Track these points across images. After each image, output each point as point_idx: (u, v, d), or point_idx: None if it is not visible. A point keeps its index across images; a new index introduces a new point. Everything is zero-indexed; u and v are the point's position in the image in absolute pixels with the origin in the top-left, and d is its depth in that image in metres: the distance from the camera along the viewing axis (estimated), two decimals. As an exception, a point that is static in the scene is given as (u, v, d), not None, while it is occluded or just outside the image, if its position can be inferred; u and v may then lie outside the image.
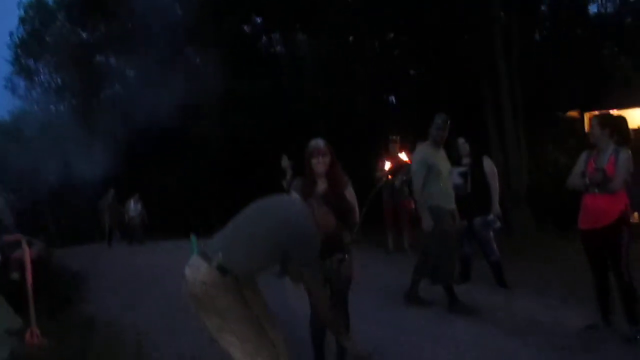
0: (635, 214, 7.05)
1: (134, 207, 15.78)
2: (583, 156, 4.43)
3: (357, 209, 3.77)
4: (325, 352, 3.88)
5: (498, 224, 5.90)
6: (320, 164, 3.67)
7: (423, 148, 5.36)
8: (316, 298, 2.90)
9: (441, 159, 5.33)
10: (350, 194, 3.75)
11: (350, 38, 15.42)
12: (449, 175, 5.49)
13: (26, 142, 18.60)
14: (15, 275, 6.29)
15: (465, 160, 6.18)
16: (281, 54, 18.06)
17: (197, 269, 2.78)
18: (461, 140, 6.20)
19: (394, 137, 8.64)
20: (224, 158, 16.10)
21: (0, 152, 18.16)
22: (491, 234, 5.99)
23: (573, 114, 12.71)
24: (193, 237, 3.06)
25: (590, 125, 4.50)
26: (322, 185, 3.73)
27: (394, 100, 16.75)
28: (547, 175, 11.23)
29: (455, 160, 6.38)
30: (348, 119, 13.99)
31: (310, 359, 3.88)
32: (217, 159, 16.23)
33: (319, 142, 3.74)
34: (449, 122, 5.28)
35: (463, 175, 6.04)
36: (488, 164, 6.12)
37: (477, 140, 6.06)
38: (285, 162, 8.01)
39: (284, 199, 3.00)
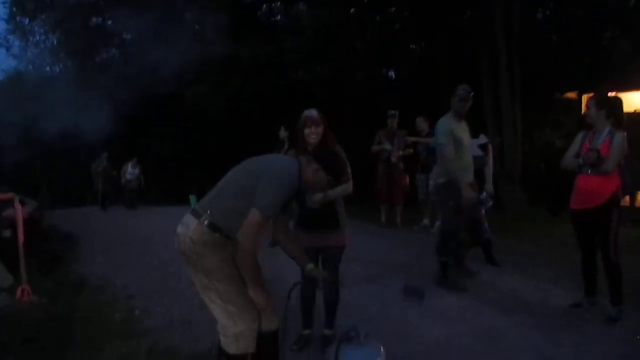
0: (627, 197, 7.10)
1: (131, 170, 15.65)
2: (579, 137, 4.43)
3: (350, 177, 3.76)
4: (313, 317, 3.94)
5: (490, 203, 5.92)
6: (312, 134, 3.65)
7: (446, 119, 5.22)
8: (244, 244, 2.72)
9: (463, 131, 5.21)
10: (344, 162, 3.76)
11: (352, 10, 15.23)
12: (470, 148, 5.36)
13: (20, 102, 18.38)
14: (6, 233, 6.31)
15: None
16: (282, 23, 17.83)
17: (187, 226, 2.80)
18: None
19: (393, 111, 8.62)
20: (221, 125, 16.03)
21: (-6, 110, 17.97)
22: (483, 212, 6.02)
23: (571, 95, 12.68)
24: (192, 197, 3.06)
25: (587, 106, 4.49)
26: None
27: (393, 75, 16.64)
28: (541, 156, 11.27)
29: None
30: (347, 92, 13.91)
31: (299, 324, 3.95)
32: (214, 125, 16.15)
33: (312, 112, 3.71)
34: (471, 93, 5.17)
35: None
36: (483, 142, 6.12)
37: (473, 118, 6.02)
38: (283, 133, 7.98)
39: (273, 155, 2.95)
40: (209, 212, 2.77)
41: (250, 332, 2.78)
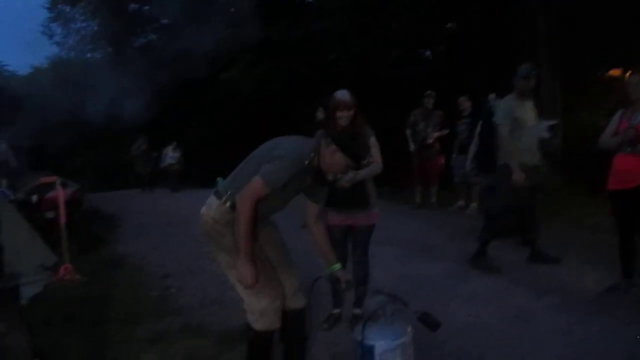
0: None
1: (172, 154, 15.89)
2: (617, 115, 4.28)
3: (379, 157, 3.77)
4: (343, 297, 3.97)
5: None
6: (344, 117, 3.65)
7: (507, 99, 5.09)
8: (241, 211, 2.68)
9: (526, 112, 5.05)
10: (373, 144, 3.75)
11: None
12: (536, 129, 5.16)
13: (63, 88, 18.89)
14: (50, 214, 6.55)
15: (496, 116, 6.06)
16: (313, 4, 17.68)
17: (209, 206, 2.85)
18: (492, 96, 6.07)
19: (429, 91, 8.48)
20: (254, 107, 16.11)
21: (39, 97, 18.53)
22: None
23: (614, 72, 12.20)
24: (219, 180, 3.10)
25: (629, 82, 4.32)
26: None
27: (429, 54, 16.32)
28: (582, 136, 10.90)
29: (487, 114, 6.27)
30: (380, 72, 13.75)
31: (329, 304, 4.00)
32: (248, 108, 16.26)
33: (344, 95, 3.70)
34: (534, 71, 5.02)
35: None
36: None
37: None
38: (320, 114, 7.98)
39: (292, 136, 2.94)
40: (229, 192, 2.80)
41: (273, 308, 2.81)
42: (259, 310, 2.79)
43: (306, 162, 2.76)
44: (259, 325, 2.81)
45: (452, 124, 8.40)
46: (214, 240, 2.84)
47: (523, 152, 4.96)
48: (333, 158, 2.80)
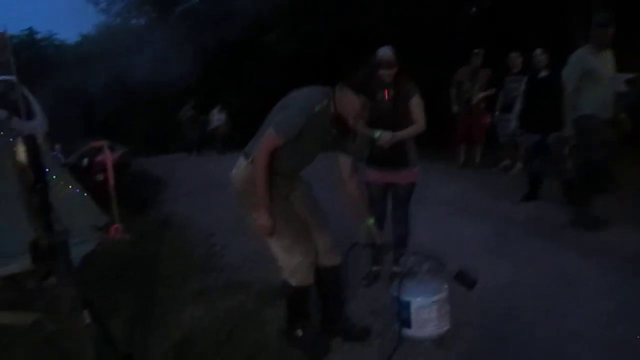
0: None
1: (218, 116, 16.04)
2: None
3: (422, 117, 3.72)
4: (383, 255, 4.02)
5: (574, 141, 5.60)
6: (387, 75, 3.63)
7: (581, 51, 4.87)
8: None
9: (603, 63, 4.80)
10: (416, 102, 3.70)
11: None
12: (612, 82, 4.92)
13: (110, 55, 19.28)
14: (100, 177, 6.80)
15: (543, 73, 5.84)
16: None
17: (239, 167, 2.92)
18: (538, 51, 5.82)
19: (477, 49, 8.20)
20: (296, 70, 16.02)
21: (87, 64, 19.00)
22: (566, 150, 5.72)
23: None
24: None
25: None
26: (390, 93, 3.71)
27: (474, 10, 15.72)
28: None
29: (533, 72, 6.05)
30: (424, 30, 13.36)
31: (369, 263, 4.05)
32: (289, 71, 16.18)
33: (387, 52, 3.66)
34: (612, 20, 4.73)
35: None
36: (565, 77, 5.72)
37: (560, 51, 5.62)
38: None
39: (306, 87, 2.94)
40: (254, 151, 2.84)
41: (305, 265, 2.87)
42: (291, 267, 2.86)
43: (316, 108, 2.74)
44: (293, 281, 2.89)
45: (499, 82, 8.12)
46: (245, 200, 2.90)
47: (597, 105, 4.73)
48: (346, 99, 2.78)
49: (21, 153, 2.20)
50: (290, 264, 2.86)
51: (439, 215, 5.69)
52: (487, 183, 7.34)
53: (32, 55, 22.37)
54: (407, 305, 2.88)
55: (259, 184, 2.74)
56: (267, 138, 2.73)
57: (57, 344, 2.70)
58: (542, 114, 5.68)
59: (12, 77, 6.12)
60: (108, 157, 6.16)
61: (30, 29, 26.26)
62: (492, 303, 3.48)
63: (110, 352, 2.74)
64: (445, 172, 8.27)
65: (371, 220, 3.10)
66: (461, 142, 8.74)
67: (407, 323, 2.89)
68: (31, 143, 2.23)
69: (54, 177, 5.09)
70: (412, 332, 2.90)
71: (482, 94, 8.16)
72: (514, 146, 7.94)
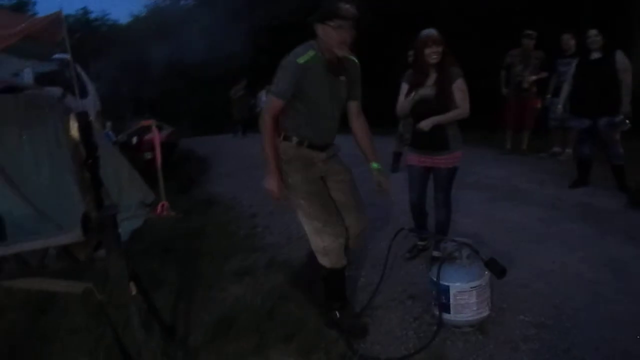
0: None
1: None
2: None
3: (465, 101, 3.66)
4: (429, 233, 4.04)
5: (627, 125, 5.39)
6: (433, 54, 3.59)
7: None
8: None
9: None
10: (459, 86, 3.65)
11: None
12: None
13: (162, 34, 19.61)
14: (148, 155, 7.00)
15: (595, 55, 5.61)
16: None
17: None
18: (593, 32, 5.58)
19: (530, 31, 7.91)
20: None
21: (138, 44, 19.39)
22: (618, 135, 5.52)
23: None
24: None
25: None
26: (432, 76, 3.68)
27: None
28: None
29: (585, 53, 5.83)
30: (473, 11, 13.03)
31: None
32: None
33: (431, 32, 3.62)
34: None
35: None
36: (621, 59, 5.46)
37: (613, 32, 5.39)
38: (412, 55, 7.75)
39: None
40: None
41: (336, 247, 2.88)
42: (322, 249, 2.90)
43: (301, 60, 2.74)
44: (325, 262, 2.93)
45: (552, 65, 7.85)
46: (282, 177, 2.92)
47: None
48: (323, 33, 2.77)
49: (74, 129, 2.28)
50: (321, 245, 2.89)
51: (483, 200, 5.61)
52: (534, 169, 7.16)
53: (86, 35, 23.03)
54: (446, 290, 2.87)
55: (265, 149, 2.82)
56: (267, 103, 2.85)
57: (106, 314, 2.82)
58: (593, 98, 5.49)
59: (67, 56, 6.35)
60: (156, 136, 6.32)
61: (84, 8, 27.15)
62: (535, 289, 3.42)
63: (154, 323, 2.87)
64: (492, 156, 8.13)
65: (375, 164, 3.07)
66: (508, 127, 8.50)
67: (445, 308, 2.88)
68: (83, 120, 2.31)
69: (105, 155, 5.27)
70: (451, 317, 2.89)
71: (533, 77, 7.91)
72: (564, 131, 7.70)
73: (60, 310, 3.49)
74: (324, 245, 2.88)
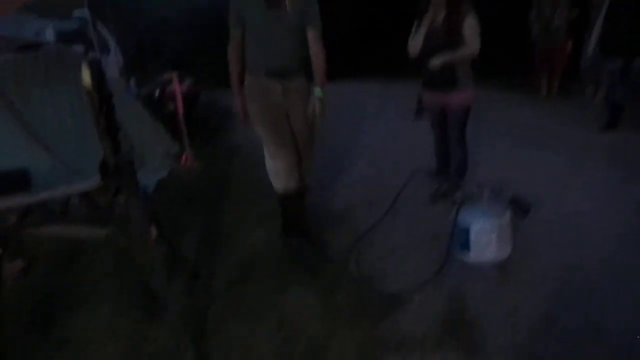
0: None
1: None
2: None
3: (475, 39, 3.56)
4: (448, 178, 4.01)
5: None
6: None
7: None
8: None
9: None
10: (469, 24, 3.54)
11: None
12: None
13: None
14: (170, 106, 7.00)
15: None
16: None
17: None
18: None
19: None
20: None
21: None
22: None
23: None
24: None
25: None
26: (441, 14, 3.61)
27: None
28: None
29: None
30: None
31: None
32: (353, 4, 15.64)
33: None
34: None
35: None
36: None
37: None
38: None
39: None
40: None
41: (285, 171, 3.14)
42: (274, 171, 3.16)
43: None
44: (277, 184, 3.20)
45: (585, 2, 7.44)
46: None
47: None
48: None
49: (86, 77, 2.28)
50: (273, 168, 3.16)
51: (511, 144, 5.48)
52: (563, 112, 6.93)
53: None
54: (466, 229, 2.84)
55: (230, 76, 3.13)
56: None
57: (131, 258, 2.89)
58: (627, 36, 5.24)
59: (87, 13, 6.32)
60: (177, 88, 6.30)
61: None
62: (559, 232, 3.38)
63: (179, 267, 2.93)
64: (522, 101, 7.85)
65: (317, 90, 3.14)
66: (539, 71, 8.17)
67: (466, 247, 2.86)
68: (95, 67, 2.30)
69: (128, 108, 5.29)
70: (472, 256, 2.87)
71: (564, 17, 7.54)
72: (595, 71, 7.38)
73: (89, 259, 3.58)
74: (275, 168, 3.15)
